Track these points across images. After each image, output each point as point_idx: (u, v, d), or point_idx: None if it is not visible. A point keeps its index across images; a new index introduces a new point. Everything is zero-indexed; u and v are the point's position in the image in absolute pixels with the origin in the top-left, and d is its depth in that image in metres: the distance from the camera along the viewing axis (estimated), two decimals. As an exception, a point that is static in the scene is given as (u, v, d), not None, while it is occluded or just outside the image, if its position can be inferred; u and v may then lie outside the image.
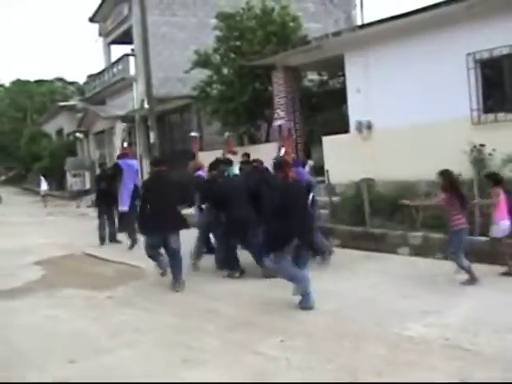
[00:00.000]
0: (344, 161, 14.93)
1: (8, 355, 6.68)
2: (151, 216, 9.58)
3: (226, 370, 5.79)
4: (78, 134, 37.43)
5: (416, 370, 5.49)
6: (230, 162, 10.94)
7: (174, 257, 9.62)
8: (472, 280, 8.49)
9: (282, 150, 11.37)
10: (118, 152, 28.54)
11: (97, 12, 34.18)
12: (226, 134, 16.11)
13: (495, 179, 9.25)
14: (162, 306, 8.49)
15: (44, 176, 34.53)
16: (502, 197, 9.01)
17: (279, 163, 8.68)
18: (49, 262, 12.60)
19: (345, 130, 15.81)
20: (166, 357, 6.29)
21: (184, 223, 9.84)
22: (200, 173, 12.60)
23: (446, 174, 8.77)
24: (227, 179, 10.57)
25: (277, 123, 14.80)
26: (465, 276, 8.58)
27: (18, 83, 59.21)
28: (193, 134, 16.34)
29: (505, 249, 9.07)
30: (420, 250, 10.61)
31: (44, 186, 32.38)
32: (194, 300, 8.71)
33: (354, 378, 5.38)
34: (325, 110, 19.89)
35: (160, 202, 9.56)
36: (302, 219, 8.14)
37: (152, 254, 9.93)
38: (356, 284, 8.96)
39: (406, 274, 9.36)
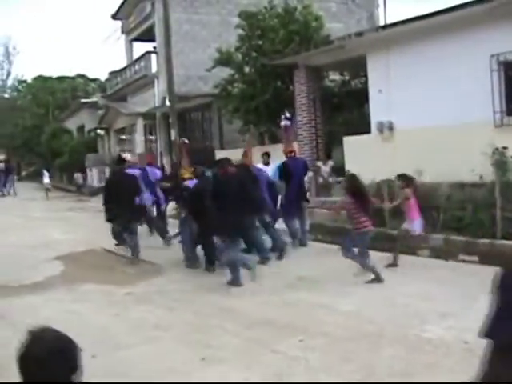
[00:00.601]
0: (365, 161, 14.86)
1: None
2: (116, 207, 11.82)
3: (245, 368, 5.81)
4: (99, 131, 37.64)
5: (435, 373, 5.48)
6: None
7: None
8: (377, 279, 8.93)
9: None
10: (139, 148, 28.83)
11: (119, 9, 34.30)
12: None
13: (407, 181, 9.93)
14: (180, 303, 8.53)
15: (47, 170, 35.16)
16: (412, 198, 9.79)
17: (217, 161, 10.16)
18: (69, 257, 12.69)
19: (366, 130, 15.77)
20: (184, 354, 6.33)
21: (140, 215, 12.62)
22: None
23: (351, 178, 9.48)
24: (207, 179, 11.01)
25: (282, 123, 15.68)
26: (371, 276, 8.99)
27: (40, 79, 59.34)
28: (127, 156, 15.66)
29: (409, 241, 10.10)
30: (441, 252, 10.55)
31: (46, 179, 33.27)
32: (213, 298, 8.74)
33: (372, 380, 5.38)
34: (346, 110, 19.85)
35: (121, 195, 11.78)
36: (237, 210, 9.25)
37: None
38: (375, 285, 8.93)
39: (426, 275, 9.31)
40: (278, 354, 6.12)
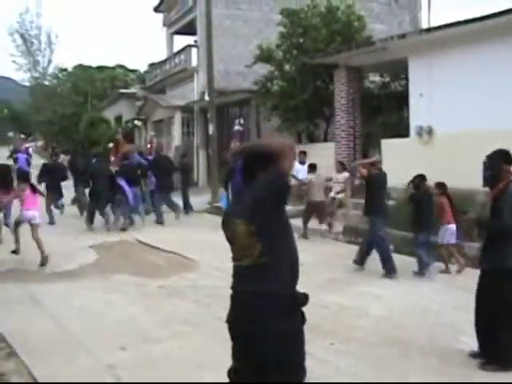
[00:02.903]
0: (402, 165, 14.70)
1: (60, 338, 6.81)
2: None
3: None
4: (136, 122, 37.76)
5: (467, 385, 5.42)
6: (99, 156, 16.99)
7: None
8: None
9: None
10: (176, 141, 29.00)
11: (162, 2, 34.47)
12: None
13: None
14: (212, 298, 8.50)
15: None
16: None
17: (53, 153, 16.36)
18: (102, 246, 12.79)
19: (404, 133, 15.64)
20: (214, 349, 6.31)
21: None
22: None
23: None
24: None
25: (235, 128, 18.29)
26: None
27: (80, 68, 59.91)
28: None
29: None
30: (476, 261, 10.36)
31: None
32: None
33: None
34: (385, 112, 19.69)
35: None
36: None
37: None
38: (407, 290, 8.86)
39: (460, 284, 9.17)
40: (307, 356, 6.08)
